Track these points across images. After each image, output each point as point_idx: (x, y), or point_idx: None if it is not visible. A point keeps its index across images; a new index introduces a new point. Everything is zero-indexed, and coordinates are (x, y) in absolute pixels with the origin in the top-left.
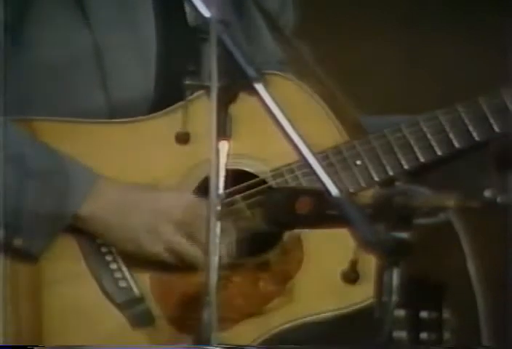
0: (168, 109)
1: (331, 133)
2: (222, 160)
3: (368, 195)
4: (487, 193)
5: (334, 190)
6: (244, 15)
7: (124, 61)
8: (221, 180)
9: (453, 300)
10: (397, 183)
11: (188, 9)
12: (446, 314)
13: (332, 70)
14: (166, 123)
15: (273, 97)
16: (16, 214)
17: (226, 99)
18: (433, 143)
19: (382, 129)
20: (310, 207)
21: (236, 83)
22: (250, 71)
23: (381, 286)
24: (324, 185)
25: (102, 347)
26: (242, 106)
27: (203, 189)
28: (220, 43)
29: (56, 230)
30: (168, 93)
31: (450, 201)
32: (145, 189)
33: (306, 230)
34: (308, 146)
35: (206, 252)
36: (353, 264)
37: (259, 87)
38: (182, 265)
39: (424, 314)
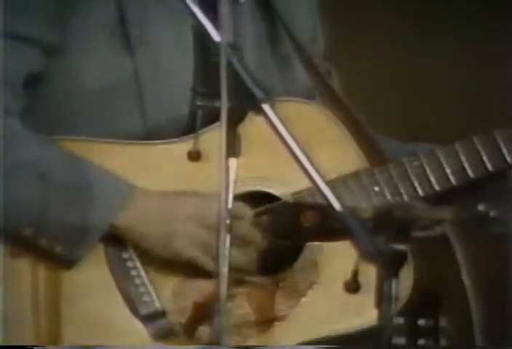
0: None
1: (351, 158)
2: (232, 176)
3: (369, 210)
4: (480, 207)
5: (337, 205)
6: (276, 44)
7: (161, 87)
8: (230, 195)
9: (449, 309)
10: (396, 198)
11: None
12: (442, 322)
13: (355, 97)
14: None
15: (279, 118)
16: (58, 224)
17: (235, 119)
18: (449, 173)
19: (400, 155)
20: (315, 221)
21: (244, 104)
22: (258, 92)
23: (381, 295)
24: (327, 200)
25: (104, 347)
26: (265, 130)
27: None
28: (230, 65)
29: (94, 239)
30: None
31: (446, 215)
32: (179, 195)
33: (321, 254)
34: (312, 163)
35: (217, 263)
36: (355, 274)
37: (266, 108)
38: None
39: (421, 322)
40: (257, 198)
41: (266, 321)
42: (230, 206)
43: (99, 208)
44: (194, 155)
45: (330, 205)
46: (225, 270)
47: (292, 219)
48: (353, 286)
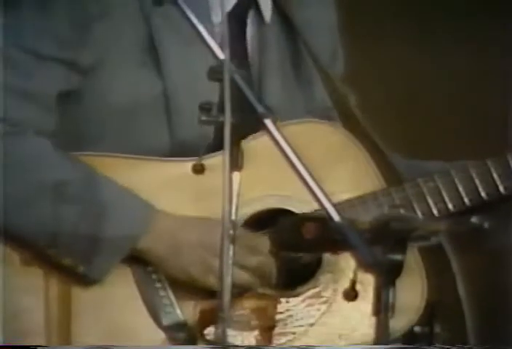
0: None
1: (369, 178)
2: (235, 188)
3: (367, 221)
4: (474, 219)
5: (336, 217)
6: (299, 65)
7: (188, 106)
8: (233, 207)
9: (443, 316)
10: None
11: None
12: (437, 328)
13: (374, 118)
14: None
15: (280, 132)
16: (82, 245)
17: (239, 134)
18: (463, 193)
19: (416, 174)
20: (317, 232)
21: (247, 119)
22: (260, 108)
23: (379, 303)
24: (327, 212)
25: (107, 346)
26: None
27: (249, 223)
28: (233, 82)
29: (116, 260)
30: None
31: (441, 226)
32: (197, 223)
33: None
34: (314, 179)
35: (221, 274)
36: (353, 283)
37: (268, 123)
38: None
39: (417, 328)
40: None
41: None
42: (233, 217)
43: (121, 231)
44: (199, 169)
45: (330, 217)
46: (228, 278)
47: (294, 232)
48: (351, 293)
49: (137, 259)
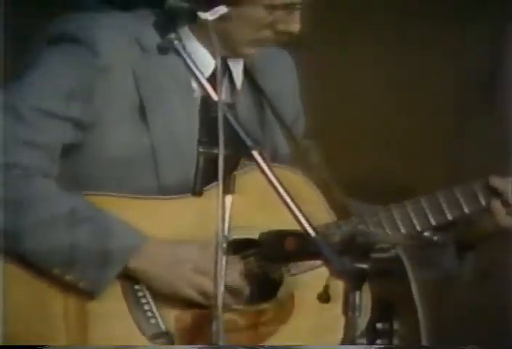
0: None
1: (322, 213)
2: (228, 210)
3: (337, 236)
4: (426, 234)
5: (312, 232)
6: (265, 122)
7: (173, 154)
8: (226, 225)
9: (401, 315)
10: (359, 226)
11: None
12: (395, 325)
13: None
14: (192, 202)
15: (266, 162)
16: (81, 265)
17: (231, 164)
18: (400, 225)
19: (363, 212)
20: (296, 245)
21: (238, 151)
22: (248, 142)
23: (347, 305)
24: (305, 229)
25: (104, 347)
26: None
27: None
28: (226, 120)
29: (111, 278)
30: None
31: (399, 240)
32: (181, 245)
33: (298, 288)
34: (294, 201)
35: (215, 284)
36: (326, 288)
37: (255, 154)
38: (207, 303)
39: (379, 325)
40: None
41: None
42: (226, 233)
43: (116, 254)
44: (198, 193)
45: (307, 232)
46: (221, 287)
47: (277, 245)
48: (324, 297)
49: (127, 278)
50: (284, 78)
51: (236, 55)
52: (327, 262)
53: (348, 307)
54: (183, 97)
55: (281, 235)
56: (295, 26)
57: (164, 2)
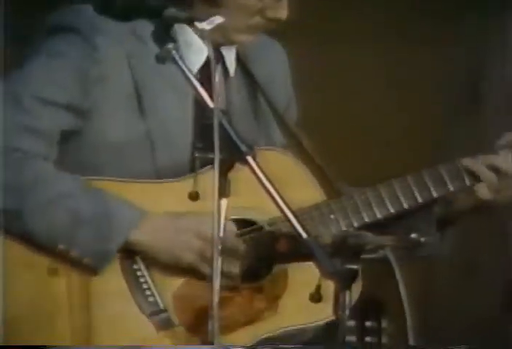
0: (191, 174)
1: (313, 194)
2: (223, 212)
3: (328, 237)
4: (413, 236)
5: (304, 234)
6: (258, 110)
7: (168, 142)
8: (221, 227)
9: (389, 313)
10: (350, 229)
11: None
12: (384, 323)
13: (322, 149)
14: (187, 185)
15: (259, 166)
16: (84, 241)
17: (226, 168)
18: (388, 204)
19: (353, 192)
20: (288, 246)
21: (232, 156)
22: (243, 147)
23: (338, 304)
24: (296, 230)
25: (106, 347)
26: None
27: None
28: (221, 126)
29: (113, 252)
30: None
31: (387, 242)
32: (180, 216)
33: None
34: (287, 203)
35: (211, 278)
36: (318, 288)
37: (249, 159)
38: (206, 271)
39: (368, 324)
40: (243, 223)
41: (248, 320)
42: (221, 235)
43: (116, 228)
44: (194, 196)
45: (299, 234)
46: (217, 285)
47: (268, 245)
48: (316, 297)
49: (127, 257)
50: (275, 66)
51: (229, 42)
52: (318, 264)
53: (338, 307)
54: (177, 86)
55: (273, 237)
56: (283, 12)
57: (161, 12)
